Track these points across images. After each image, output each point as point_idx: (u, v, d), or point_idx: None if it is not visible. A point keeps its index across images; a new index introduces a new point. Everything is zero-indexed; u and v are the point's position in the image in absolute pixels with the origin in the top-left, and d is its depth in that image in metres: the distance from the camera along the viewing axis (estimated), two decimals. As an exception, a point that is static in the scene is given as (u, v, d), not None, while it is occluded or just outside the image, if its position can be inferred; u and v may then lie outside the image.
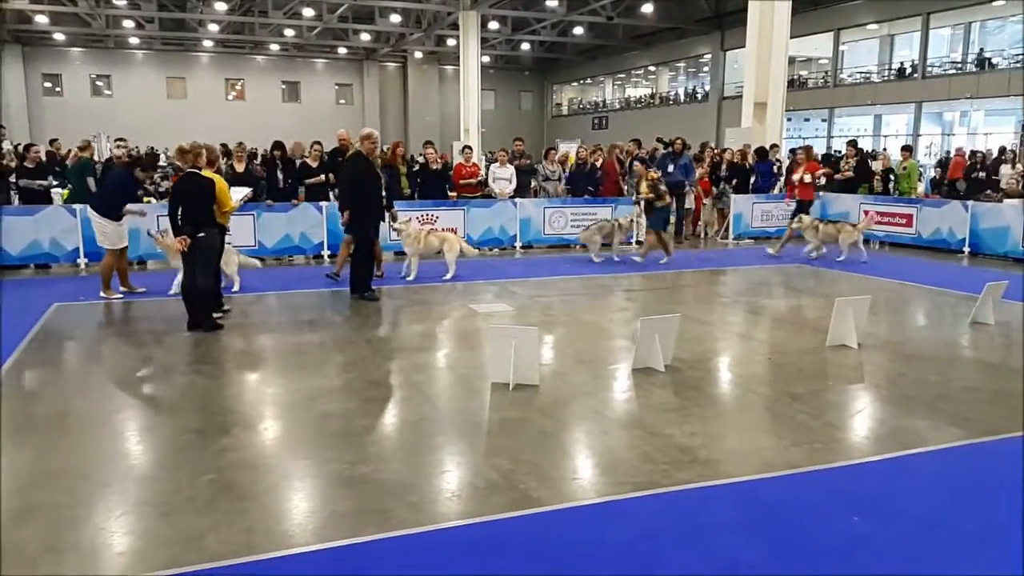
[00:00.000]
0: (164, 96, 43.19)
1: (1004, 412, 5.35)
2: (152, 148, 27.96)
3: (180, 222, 7.39)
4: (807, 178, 13.33)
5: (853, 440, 5.01)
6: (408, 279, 10.36)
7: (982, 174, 16.84)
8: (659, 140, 16.51)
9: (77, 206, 11.22)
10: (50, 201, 12.07)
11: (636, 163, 12.67)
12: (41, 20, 34.69)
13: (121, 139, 13.04)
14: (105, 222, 9.05)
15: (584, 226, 13.03)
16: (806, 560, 3.46)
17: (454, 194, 13.96)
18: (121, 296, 9.27)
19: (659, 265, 11.93)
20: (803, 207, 13.40)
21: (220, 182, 7.91)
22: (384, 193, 9.47)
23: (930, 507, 4.02)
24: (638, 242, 14.53)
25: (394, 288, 9.83)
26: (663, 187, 11.97)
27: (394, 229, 10.15)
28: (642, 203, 11.94)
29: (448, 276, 10.46)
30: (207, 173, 7.78)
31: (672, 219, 15.03)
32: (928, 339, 7.90)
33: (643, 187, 11.85)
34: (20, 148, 12.52)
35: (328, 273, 10.28)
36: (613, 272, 11.41)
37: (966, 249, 13.41)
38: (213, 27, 37.38)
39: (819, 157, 14.84)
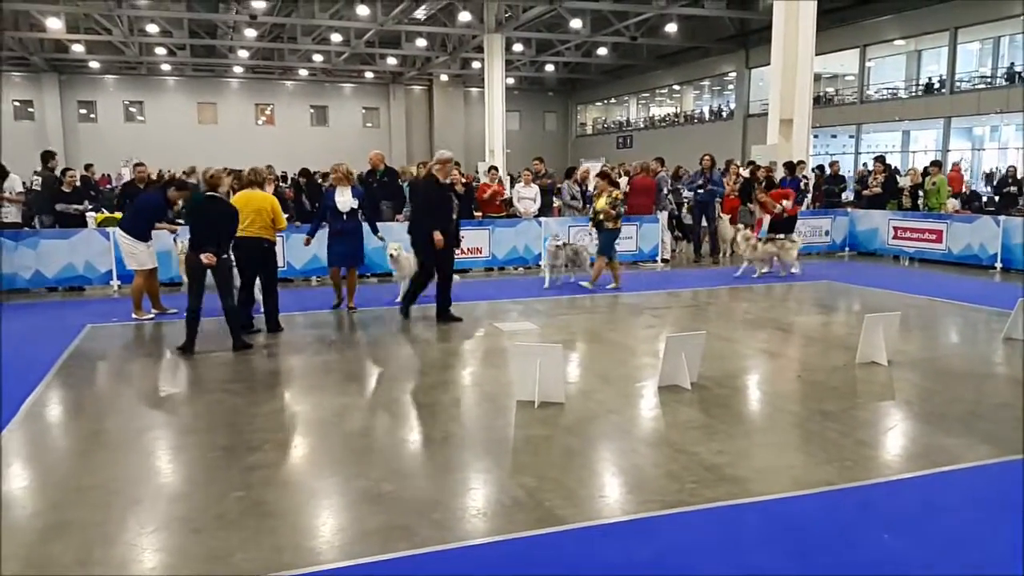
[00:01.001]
0: (195, 121, 43.99)
1: (1039, 429, 5.25)
2: (184, 172, 28.44)
3: (199, 242, 7.51)
4: (787, 203, 12.91)
5: (885, 458, 4.94)
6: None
7: (1013, 188, 16.57)
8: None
9: (110, 229, 11.46)
10: (86, 224, 12.32)
11: (598, 179, 11.54)
12: (77, 49, 35.60)
13: (140, 164, 13.12)
14: (134, 242, 9.20)
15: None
16: (836, 579, 3.42)
17: (479, 214, 14.03)
18: (152, 317, 9.41)
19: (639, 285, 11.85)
20: (792, 223, 13.11)
21: (274, 201, 8.51)
22: (456, 216, 9.25)
23: (962, 525, 3.95)
24: (663, 260, 14.53)
25: (418, 307, 9.88)
26: (624, 208, 11.32)
27: (390, 256, 10.01)
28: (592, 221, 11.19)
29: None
30: (253, 193, 8.25)
31: (704, 236, 15.02)
32: (960, 356, 7.78)
33: (601, 202, 11.03)
34: (58, 173, 12.82)
35: (347, 307, 9.90)
36: (637, 291, 11.38)
37: (998, 264, 13.20)
38: (243, 53, 38.08)
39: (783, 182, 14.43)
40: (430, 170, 9.22)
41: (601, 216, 11.01)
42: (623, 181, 15.29)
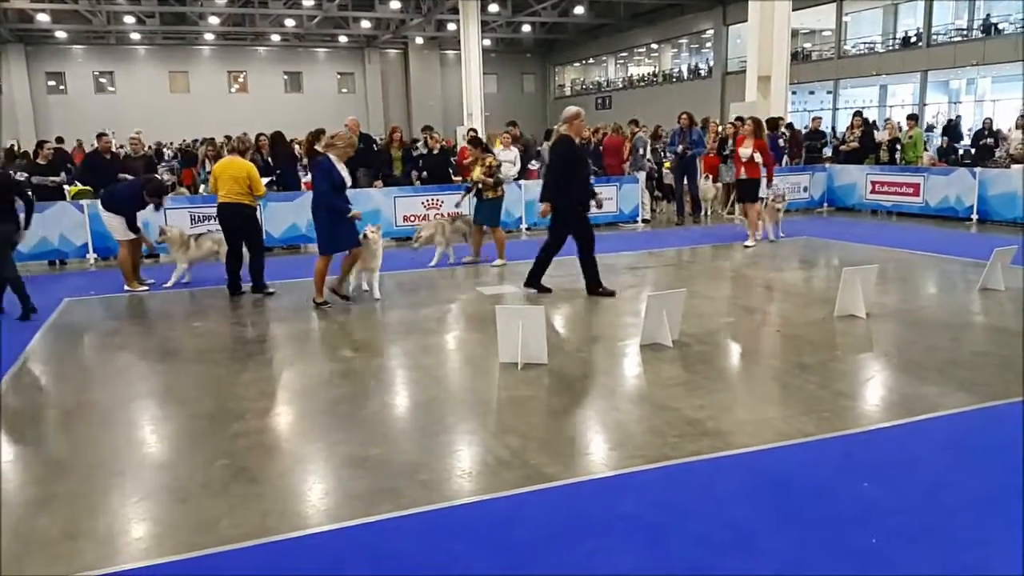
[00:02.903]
0: (167, 91, 43.24)
1: (1013, 376, 5.34)
2: (158, 143, 28.03)
3: None
4: (757, 157, 11.31)
5: (863, 408, 5.02)
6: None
7: (990, 140, 16.70)
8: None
9: (84, 202, 11.29)
10: (63, 197, 12.12)
11: (470, 147, 10.87)
12: (43, 19, 34.73)
13: (103, 134, 12.83)
14: (112, 216, 9.12)
15: None
16: (816, 526, 3.48)
17: (459, 178, 13.95)
18: (148, 288, 9.31)
19: (649, 243, 11.85)
20: (753, 188, 11.50)
21: (251, 167, 8.71)
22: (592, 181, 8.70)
23: (939, 472, 4.03)
24: (644, 220, 14.54)
25: (401, 274, 9.85)
26: (501, 175, 10.64)
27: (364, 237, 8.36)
28: (473, 191, 10.47)
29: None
30: (232, 160, 8.57)
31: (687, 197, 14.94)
32: (937, 306, 7.87)
33: (476, 172, 10.36)
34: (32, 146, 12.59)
35: (317, 302, 8.24)
36: (615, 251, 11.39)
37: (974, 216, 13.32)
38: (214, 20, 37.32)
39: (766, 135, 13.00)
40: (560, 131, 8.54)
41: (480, 186, 10.32)
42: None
